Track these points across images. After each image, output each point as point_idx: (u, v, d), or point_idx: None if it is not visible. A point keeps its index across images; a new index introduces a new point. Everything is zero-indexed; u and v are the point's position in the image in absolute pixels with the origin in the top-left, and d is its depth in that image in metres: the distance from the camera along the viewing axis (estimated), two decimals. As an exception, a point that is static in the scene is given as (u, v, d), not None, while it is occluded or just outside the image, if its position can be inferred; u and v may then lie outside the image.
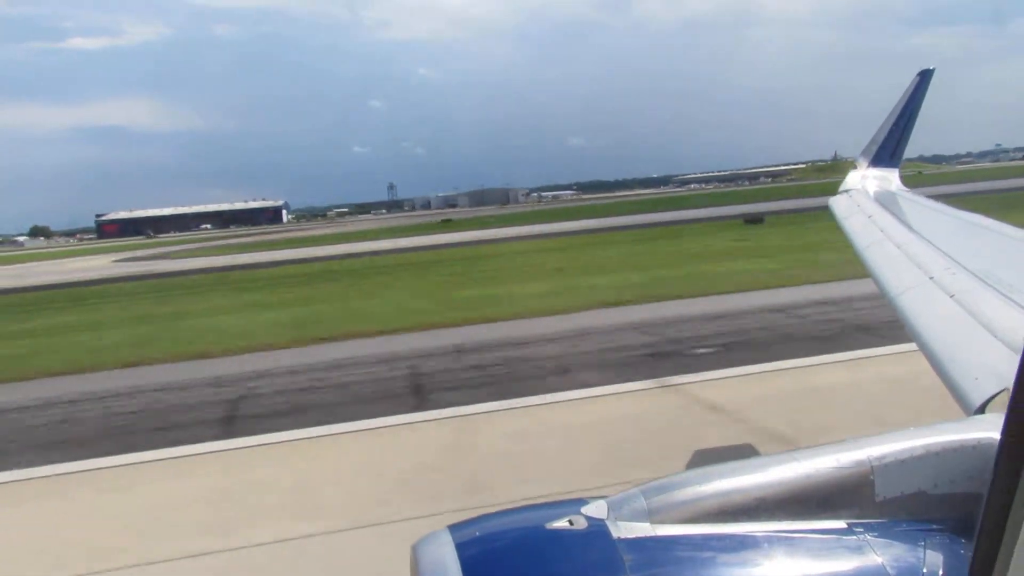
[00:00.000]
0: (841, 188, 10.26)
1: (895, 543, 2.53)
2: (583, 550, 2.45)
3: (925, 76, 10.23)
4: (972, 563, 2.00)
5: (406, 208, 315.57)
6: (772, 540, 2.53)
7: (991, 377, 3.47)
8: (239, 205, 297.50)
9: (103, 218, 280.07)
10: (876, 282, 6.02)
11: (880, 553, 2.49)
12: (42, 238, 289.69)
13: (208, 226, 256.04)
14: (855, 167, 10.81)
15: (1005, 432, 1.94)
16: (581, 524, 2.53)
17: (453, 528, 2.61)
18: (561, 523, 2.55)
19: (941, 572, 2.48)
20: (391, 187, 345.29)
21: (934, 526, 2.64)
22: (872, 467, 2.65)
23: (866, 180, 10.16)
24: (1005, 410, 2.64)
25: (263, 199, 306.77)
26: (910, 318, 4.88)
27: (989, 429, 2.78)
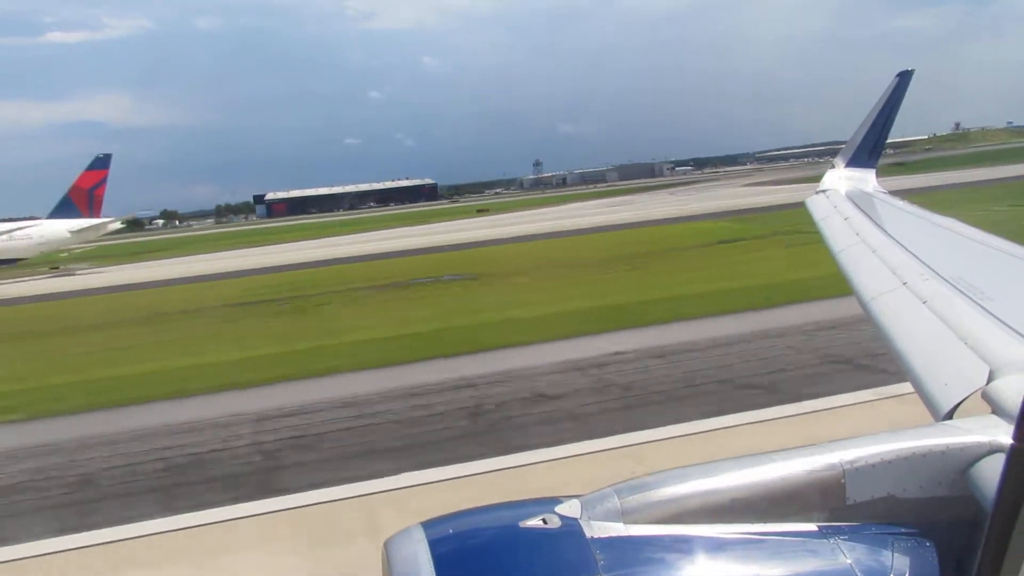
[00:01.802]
0: (818, 188, 10.33)
1: (865, 546, 2.58)
2: (556, 549, 2.47)
3: (904, 77, 10.21)
4: (978, 570, 2.10)
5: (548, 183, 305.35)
6: (744, 542, 2.57)
7: (960, 383, 3.49)
8: (390, 184, 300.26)
9: (273, 198, 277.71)
10: (851, 286, 6.11)
11: (850, 556, 2.54)
12: (176, 221, 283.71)
13: (373, 204, 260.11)
14: (833, 166, 10.95)
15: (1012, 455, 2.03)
16: (555, 523, 2.55)
17: (426, 525, 2.61)
18: (535, 521, 2.56)
19: (910, 574, 2.54)
20: (537, 163, 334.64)
21: (903, 530, 2.68)
22: (844, 471, 2.69)
23: (843, 180, 10.23)
24: (973, 416, 2.97)
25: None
26: (883, 323, 4.91)
27: (957, 435, 2.81)
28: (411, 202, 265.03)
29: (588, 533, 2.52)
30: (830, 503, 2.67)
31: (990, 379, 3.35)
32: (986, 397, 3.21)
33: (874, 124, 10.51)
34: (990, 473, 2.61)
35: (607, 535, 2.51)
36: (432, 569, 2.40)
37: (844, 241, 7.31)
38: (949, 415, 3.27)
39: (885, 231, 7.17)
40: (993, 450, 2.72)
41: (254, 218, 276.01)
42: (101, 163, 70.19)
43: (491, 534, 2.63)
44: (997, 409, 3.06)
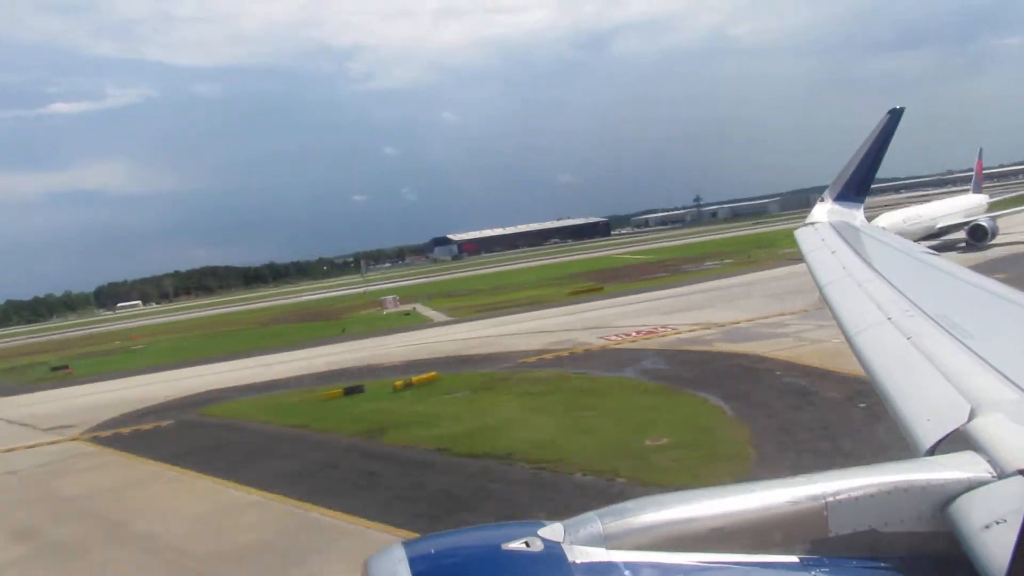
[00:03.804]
0: (807, 220, 10.34)
1: None
2: (538, 572, 2.43)
3: (894, 115, 10.03)
4: None
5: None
6: (725, 571, 2.54)
7: (942, 420, 3.46)
8: (568, 222, 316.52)
9: (461, 238, 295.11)
10: (836, 319, 6.02)
11: None
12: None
13: (556, 240, 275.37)
14: (822, 200, 10.87)
15: None
16: (537, 546, 2.52)
17: (407, 544, 2.57)
18: (517, 544, 2.53)
19: None
20: (697, 199, 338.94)
21: (883, 564, 2.67)
22: (827, 503, 2.67)
23: (832, 214, 10.17)
24: (954, 452, 2.94)
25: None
26: (867, 357, 4.83)
27: (938, 470, 2.81)
28: (584, 238, 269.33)
29: (570, 557, 2.47)
30: (812, 535, 2.65)
31: (971, 417, 3.33)
32: (967, 434, 3.19)
33: (863, 160, 10.36)
34: (969, 510, 2.61)
35: (589, 560, 2.46)
36: None
37: (831, 274, 7.29)
38: (931, 451, 3.26)
39: (871, 266, 7.11)
40: (972, 486, 2.71)
41: (431, 259, 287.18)
42: None
43: (472, 556, 2.57)
44: (977, 446, 3.02)
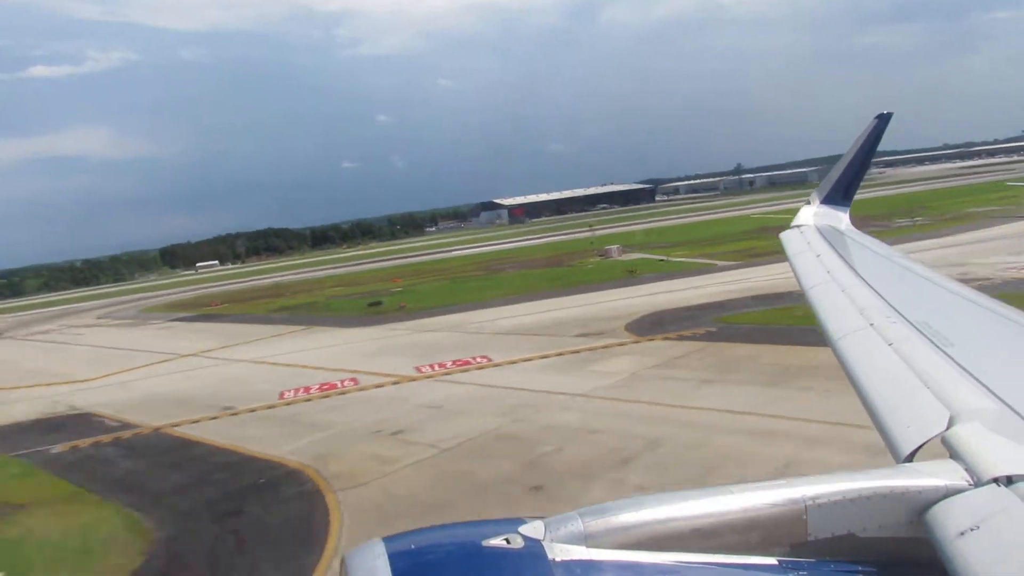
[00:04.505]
0: (793, 223, 10.38)
1: None
2: (518, 569, 2.56)
3: (882, 119, 10.07)
4: None
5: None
6: (704, 572, 2.66)
7: (921, 427, 3.64)
8: (609, 188, 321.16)
9: (511, 203, 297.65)
10: (819, 323, 6.10)
11: None
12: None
13: (605, 205, 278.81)
14: (808, 202, 11.03)
15: None
16: (518, 543, 2.64)
17: (388, 540, 2.68)
18: (497, 541, 2.65)
19: None
20: (738, 166, 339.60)
21: (861, 568, 2.81)
22: (806, 507, 2.83)
23: (818, 217, 10.27)
24: (933, 460, 3.24)
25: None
26: (849, 363, 4.96)
27: (917, 477, 2.97)
28: (631, 204, 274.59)
29: (550, 555, 2.59)
30: (791, 538, 2.80)
31: (950, 424, 3.49)
32: (945, 442, 3.35)
33: (851, 164, 10.44)
34: (945, 517, 2.74)
35: (569, 558, 2.59)
36: None
37: (815, 278, 7.37)
38: (910, 457, 3.42)
39: (855, 271, 7.23)
40: (949, 494, 2.85)
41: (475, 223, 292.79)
42: None
43: (453, 552, 2.68)
44: (955, 454, 3.18)
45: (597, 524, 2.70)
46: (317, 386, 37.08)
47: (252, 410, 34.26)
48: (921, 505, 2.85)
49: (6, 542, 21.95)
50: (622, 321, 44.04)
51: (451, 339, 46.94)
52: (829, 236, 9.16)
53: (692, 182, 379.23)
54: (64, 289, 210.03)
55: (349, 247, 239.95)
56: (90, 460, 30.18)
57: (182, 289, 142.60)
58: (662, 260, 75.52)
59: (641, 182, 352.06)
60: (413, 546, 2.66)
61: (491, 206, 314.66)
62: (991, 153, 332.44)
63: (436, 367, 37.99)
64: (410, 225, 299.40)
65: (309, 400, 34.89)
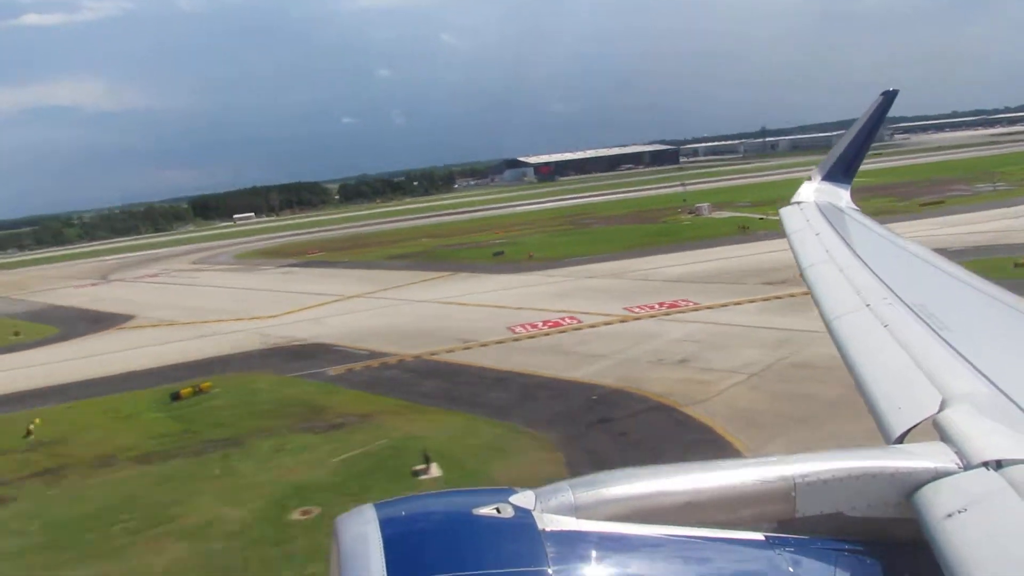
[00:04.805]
0: (793, 199, 10.27)
1: (809, 560, 2.75)
2: (508, 538, 2.60)
3: (888, 96, 9.99)
4: None
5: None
6: (691, 545, 2.70)
7: (913, 409, 3.67)
8: (633, 149, 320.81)
9: (537, 161, 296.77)
10: (815, 302, 6.22)
11: (794, 567, 2.70)
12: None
13: (630, 166, 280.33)
14: (810, 178, 10.89)
15: None
16: (508, 513, 2.67)
17: (379, 506, 2.71)
18: (488, 510, 2.67)
19: None
20: (763, 129, 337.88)
21: (847, 547, 2.83)
22: (795, 484, 2.86)
23: (819, 193, 10.15)
24: (923, 442, 3.29)
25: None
26: (843, 343, 5.07)
27: (906, 459, 3.02)
28: (654, 165, 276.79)
29: (540, 525, 2.63)
30: (779, 515, 2.84)
31: (942, 407, 3.55)
32: (937, 425, 3.40)
33: (854, 140, 10.29)
34: (933, 499, 2.78)
35: (559, 528, 2.63)
36: (381, 550, 2.48)
37: (813, 257, 7.36)
38: (900, 439, 3.47)
39: (854, 251, 7.21)
40: (938, 476, 2.88)
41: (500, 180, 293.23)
42: None
43: (443, 519, 2.71)
44: (946, 437, 3.22)
45: (587, 496, 2.76)
46: (541, 323, 39.97)
47: (499, 342, 37.20)
48: (910, 486, 2.89)
49: (409, 439, 25.02)
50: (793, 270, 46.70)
51: (624, 285, 49.79)
52: (829, 214, 9.16)
53: (711, 144, 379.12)
54: (105, 238, 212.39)
55: (383, 202, 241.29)
56: (385, 380, 33.22)
57: (241, 240, 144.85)
58: (761, 219, 77.66)
59: (650, 143, 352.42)
60: (404, 513, 2.73)
61: (515, 164, 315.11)
62: (1011, 121, 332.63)
63: (647, 308, 40.91)
64: (428, 182, 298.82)
65: (547, 335, 37.80)
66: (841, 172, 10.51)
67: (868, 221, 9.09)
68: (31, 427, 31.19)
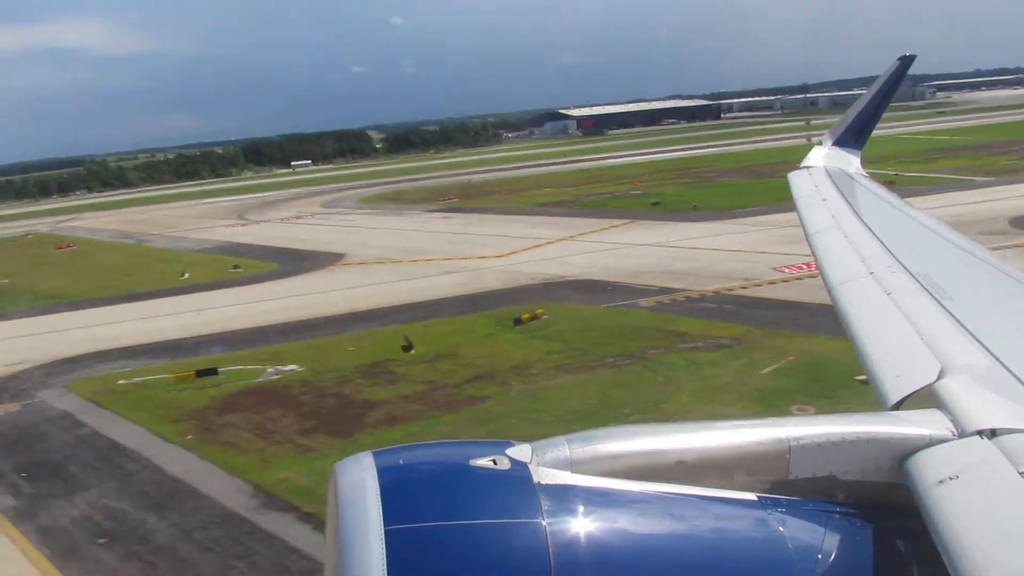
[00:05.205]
0: (802, 163, 10.14)
1: (800, 520, 2.80)
2: (503, 490, 2.66)
3: (905, 61, 9.90)
4: None
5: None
6: (684, 503, 2.76)
7: (911, 376, 3.72)
8: (674, 103, 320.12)
9: (580, 114, 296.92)
10: (819, 268, 6.37)
11: (785, 527, 2.76)
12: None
13: (673, 121, 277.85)
14: (820, 143, 10.75)
15: None
16: (504, 464, 2.73)
17: (376, 454, 2.78)
18: (484, 461, 2.73)
19: (838, 552, 2.73)
20: (804, 85, 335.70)
21: (839, 509, 2.89)
22: (790, 447, 2.91)
23: (828, 159, 10.06)
24: (919, 409, 3.33)
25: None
26: (845, 309, 5.15)
27: (901, 425, 3.06)
28: (697, 120, 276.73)
29: (535, 478, 2.68)
30: (773, 476, 2.90)
31: (940, 376, 3.60)
32: (934, 393, 3.45)
33: (867, 106, 10.19)
34: (926, 465, 2.84)
35: (554, 482, 2.69)
36: (378, 498, 2.53)
37: (820, 223, 7.42)
38: (897, 405, 3.56)
39: (860, 218, 7.27)
40: (933, 443, 2.95)
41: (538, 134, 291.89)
42: None
43: (440, 469, 2.79)
44: (942, 405, 3.28)
45: (583, 451, 2.81)
46: (804, 264, 43.53)
47: (783, 280, 40.93)
48: (904, 452, 2.94)
49: (808, 355, 28.80)
50: (998, 222, 50.31)
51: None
52: (838, 180, 9.05)
53: (745, 100, 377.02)
54: (168, 181, 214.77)
55: (436, 153, 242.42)
56: (707, 310, 37.14)
57: (323, 187, 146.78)
58: (895, 175, 78.93)
59: (668, 98, 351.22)
60: (401, 461, 2.78)
61: (555, 116, 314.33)
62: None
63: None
64: (463, 133, 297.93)
65: (813, 276, 41.37)
66: (853, 137, 10.49)
67: (877, 188, 9.09)
68: (405, 343, 35.12)
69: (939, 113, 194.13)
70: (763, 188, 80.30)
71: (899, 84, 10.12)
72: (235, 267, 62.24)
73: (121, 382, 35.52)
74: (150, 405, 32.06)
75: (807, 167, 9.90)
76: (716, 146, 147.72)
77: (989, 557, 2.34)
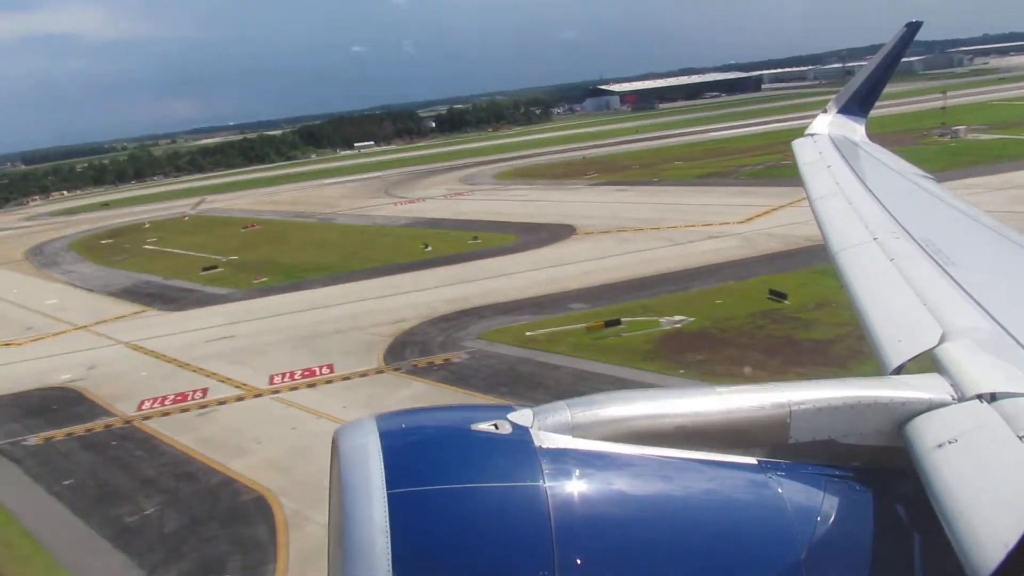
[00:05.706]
0: (807, 131, 10.37)
1: (799, 484, 2.84)
2: (504, 454, 2.70)
3: (911, 27, 9.95)
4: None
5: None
6: (685, 467, 2.81)
7: (912, 341, 3.76)
8: (712, 76, 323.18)
9: (622, 89, 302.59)
10: (823, 234, 6.34)
11: (784, 490, 2.80)
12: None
13: (716, 94, 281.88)
14: (825, 111, 10.85)
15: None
16: (506, 429, 2.77)
17: (379, 418, 2.82)
18: (486, 426, 2.77)
19: (837, 515, 2.77)
20: (842, 56, 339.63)
21: (838, 473, 2.93)
22: (791, 411, 2.96)
23: (833, 126, 10.21)
24: (919, 374, 3.37)
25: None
26: (848, 274, 5.19)
27: (901, 389, 3.10)
28: (737, 92, 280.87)
29: (537, 442, 2.73)
30: (773, 440, 2.95)
31: (941, 341, 3.65)
32: (934, 358, 3.50)
33: (873, 73, 10.33)
34: (925, 429, 2.88)
35: (555, 446, 2.74)
36: (380, 461, 2.56)
37: (823, 189, 7.57)
38: (897, 370, 3.61)
39: (865, 184, 7.41)
40: (932, 407, 2.99)
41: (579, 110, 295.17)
42: None
43: (442, 433, 2.84)
44: (942, 370, 3.32)
45: (584, 415, 2.85)
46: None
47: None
48: (903, 416, 2.98)
49: None
50: None
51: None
52: (842, 147, 9.05)
53: (775, 71, 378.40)
54: (239, 166, 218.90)
55: (495, 131, 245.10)
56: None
57: (412, 168, 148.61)
58: None
59: (677, 73, 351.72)
60: (404, 426, 2.83)
61: (596, 92, 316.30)
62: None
63: None
64: (492, 112, 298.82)
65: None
66: (858, 105, 10.52)
67: (882, 155, 9.07)
68: (771, 295, 40.12)
69: (1000, 80, 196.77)
70: (934, 154, 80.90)
71: (905, 51, 10.19)
72: (474, 238, 66.59)
73: (529, 333, 39.47)
74: (595, 348, 36.72)
75: (811, 135, 10.08)
76: (795, 118, 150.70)
77: (987, 521, 2.35)
